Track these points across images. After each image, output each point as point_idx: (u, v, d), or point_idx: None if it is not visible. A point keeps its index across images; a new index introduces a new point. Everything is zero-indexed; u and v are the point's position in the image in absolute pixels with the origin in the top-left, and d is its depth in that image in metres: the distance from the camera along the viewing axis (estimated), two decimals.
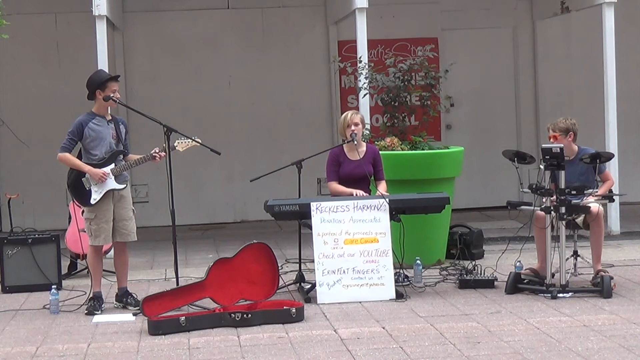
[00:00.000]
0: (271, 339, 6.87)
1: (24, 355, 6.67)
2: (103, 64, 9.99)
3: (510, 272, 8.23)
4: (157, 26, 12.99)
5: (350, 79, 12.64)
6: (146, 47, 13.01)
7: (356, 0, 10.63)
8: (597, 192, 8.16)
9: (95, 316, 7.76)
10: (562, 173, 7.85)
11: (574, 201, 7.98)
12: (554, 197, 7.91)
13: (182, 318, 7.17)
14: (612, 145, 10.81)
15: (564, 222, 7.93)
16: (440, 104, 10.86)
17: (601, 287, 7.89)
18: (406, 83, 9.70)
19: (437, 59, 11.61)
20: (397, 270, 8.37)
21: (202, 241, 11.61)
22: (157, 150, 7.99)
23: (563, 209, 7.89)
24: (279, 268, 8.19)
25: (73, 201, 8.44)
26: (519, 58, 13.55)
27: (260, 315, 7.33)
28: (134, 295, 8.10)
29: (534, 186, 8.02)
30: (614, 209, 10.87)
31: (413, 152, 9.41)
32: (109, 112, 8.19)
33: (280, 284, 8.05)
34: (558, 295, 7.85)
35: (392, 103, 9.76)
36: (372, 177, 8.64)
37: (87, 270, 8.62)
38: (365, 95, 10.13)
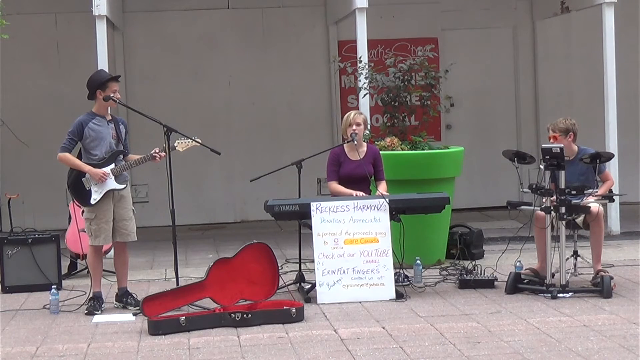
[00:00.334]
0: (271, 339, 6.87)
1: (24, 355, 6.67)
2: (103, 64, 9.99)
3: (510, 272, 8.23)
4: (157, 26, 12.99)
5: (350, 79, 12.65)
6: (146, 47, 13.01)
7: (356, 0, 10.63)
8: (597, 192, 8.16)
9: (95, 316, 7.76)
10: (562, 173, 7.85)
11: (574, 201, 7.98)
12: (554, 197, 7.91)
13: (182, 318, 7.17)
14: (612, 145, 10.81)
15: (564, 222, 7.93)
16: (440, 104, 10.86)
17: (601, 287, 7.89)
18: (406, 83, 9.70)
19: (437, 59, 11.61)
20: (397, 270, 8.37)
21: (202, 241, 11.61)
22: (157, 150, 7.99)
23: (563, 209, 7.89)
24: (279, 268, 8.19)
25: (73, 201, 8.44)
26: (519, 58, 13.55)
27: (260, 315, 7.33)
28: (134, 295, 8.10)
29: (534, 186, 8.02)
30: (614, 209, 10.87)
31: (413, 152, 9.41)
32: (109, 112, 8.19)
33: (280, 284, 8.04)
34: (558, 295, 7.85)
35: (392, 103, 9.76)
36: (372, 178, 8.64)
37: (87, 270, 8.62)
38: (365, 95, 10.13)
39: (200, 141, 8.05)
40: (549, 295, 7.85)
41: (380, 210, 8.14)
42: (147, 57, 12.99)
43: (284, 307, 7.46)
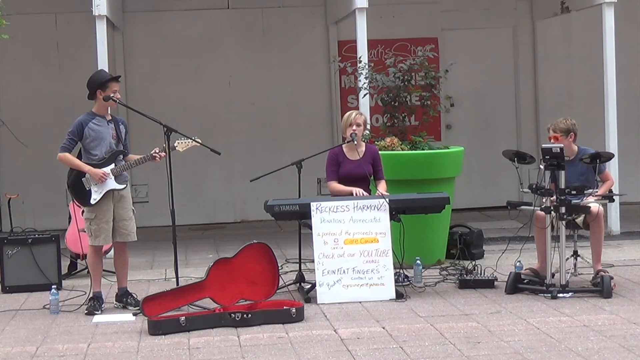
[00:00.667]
0: (271, 339, 6.87)
1: (24, 355, 6.67)
2: (103, 64, 9.99)
3: (510, 272, 8.23)
4: (157, 26, 12.99)
5: (350, 79, 12.65)
6: (146, 47, 13.01)
7: (356, 0, 10.63)
8: (597, 192, 8.16)
9: (95, 316, 7.76)
10: (562, 173, 7.85)
11: (574, 201, 7.98)
12: (554, 197, 7.91)
13: (182, 318, 7.17)
14: (612, 145, 10.81)
15: (564, 222, 7.93)
16: (440, 104, 10.86)
17: (601, 287, 7.89)
18: (406, 83, 9.70)
19: (437, 59, 11.61)
20: (397, 270, 8.37)
21: (202, 241, 11.61)
22: (157, 151, 7.99)
23: (563, 209, 7.89)
24: (279, 268, 8.19)
25: (73, 201, 8.44)
26: (519, 58, 13.55)
27: (260, 315, 7.33)
28: (134, 295, 8.10)
29: (534, 186, 8.02)
30: (614, 209, 10.86)
31: (413, 152, 9.41)
32: (109, 112, 8.19)
33: (280, 284, 8.04)
34: (558, 295, 7.85)
35: (392, 103, 9.76)
36: (372, 177, 8.64)
37: (87, 270, 8.62)
38: (365, 95, 10.13)
39: (200, 141, 8.05)
40: (549, 295, 7.85)
41: (380, 210, 8.14)
42: (147, 57, 12.99)
43: (284, 307, 7.46)
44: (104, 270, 8.37)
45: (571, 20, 13.15)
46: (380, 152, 9.01)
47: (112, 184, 7.92)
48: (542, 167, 7.98)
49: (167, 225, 8.09)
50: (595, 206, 8.04)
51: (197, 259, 10.24)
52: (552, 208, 7.92)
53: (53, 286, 8.13)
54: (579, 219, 8.26)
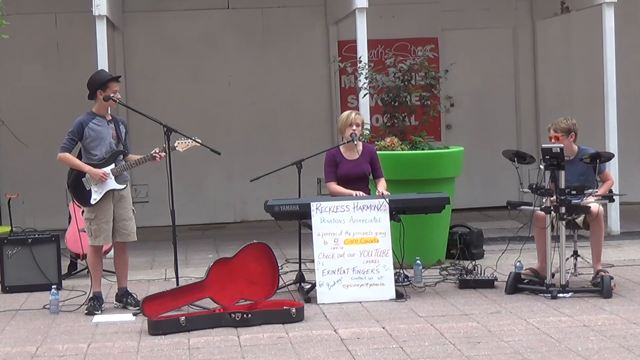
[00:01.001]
0: (271, 339, 6.87)
1: (24, 355, 6.67)
2: (103, 64, 9.99)
3: (510, 272, 8.23)
4: (157, 26, 12.99)
5: (350, 79, 12.65)
6: (146, 47, 13.01)
7: (356, 0, 10.63)
8: (597, 192, 8.16)
9: (95, 316, 7.76)
10: (562, 173, 7.85)
11: (574, 201, 7.98)
12: (554, 197, 7.91)
13: (182, 318, 7.17)
14: (612, 145, 10.81)
15: (564, 222, 7.93)
16: (440, 104, 10.87)
17: (601, 287, 7.89)
18: (406, 83, 9.70)
19: (437, 59, 11.61)
20: (397, 270, 8.37)
21: (202, 241, 11.61)
22: (157, 151, 7.99)
23: (563, 209, 7.89)
24: (279, 268, 8.19)
25: (73, 201, 8.43)
26: (519, 58, 13.55)
27: (260, 315, 7.33)
28: (134, 295, 8.10)
29: (534, 186, 8.02)
30: (614, 209, 10.87)
31: (413, 152, 9.41)
32: (109, 112, 8.19)
33: (280, 284, 8.04)
34: (558, 295, 7.85)
35: (392, 103, 9.76)
36: (371, 176, 8.64)
37: (87, 270, 8.62)
38: (365, 95, 10.13)
39: (200, 141, 8.05)
40: (549, 295, 7.85)
41: (380, 210, 8.14)
42: (147, 57, 13.00)
43: (284, 307, 7.46)
44: (104, 270, 8.37)
45: (571, 20, 13.14)
46: (380, 152, 9.02)
47: (112, 184, 7.92)
48: (542, 167, 7.97)
49: (167, 225, 8.09)
50: (595, 206, 8.04)
51: (197, 259, 10.24)
52: (552, 208, 7.92)
53: (53, 286, 8.13)
54: (579, 219, 8.26)
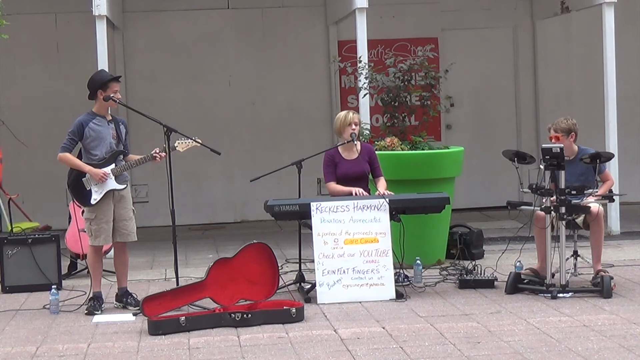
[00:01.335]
0: (271, 339, 6.87)
1: (24, 355, 6.67)
2: (103, 64, 9.99)
3: (510, 272, 8.23)
4: (157, 26, 12.99)
5: (350, 79, 12.65)
6: (146, 47, 13.01)
7: (356, 0, 10.63)
8: (597, 192, 8.16)
9: (95, 316, 7.76)
10: (562, 173, 7.85)
11: (574, 201, 7.98)
12: (554, 197, 7.91)
13: (182, 318, 7.17)
14: (612, 145, 10.81)
15: (564, 222, 7.93)
16: (440, 104, 10.86)
17: (601, 287, 7.89)
18: (406, 83, 9.70)
19: (437, 59, 11.61)
20: (397, 270, 8.37)
21: (202, 241, 11.61)
22: (157, 151, 7.99)
23: (563, 209, 7.89)
24: (279, 268, 8.18)
25: (73, 201, 8.44)
26: (519, 58, 13.55)
27: (260, 315, 7.33)
28: (134, 295, 8.10)
29: (534, 186, 8.02)
30: (614, 209, 10.86)
31: (413, 152, 9.41)
32: (109, 112, 8.19)
33: (280, 284, 8.04)
34: (558, 295, 7.85)
35: (392, 103, 9.76)
36: (370, 175, 8.64)
37: (87, 270, 8.62)
38: (365, 95, 10.13)
39: (200, 141, 8.05)
40: (549, 295, 7.85)
41: (380, 210, 8.14)
42: (147, 57, 13.00)
43: (284, 307, 7.46)
44: (104, 270, 8.37)
45: (571, 20, 13.14)
46: (380, 152, 9.02)
47: (112, 184, 7.92)
48: (542, 167, 7.97)
49: (167, 225, 8.10)
50: (595, 206, 8.04)
51: (197, 259, 10.24)
52: (552, 208, 7.92)
53: (53, 286, 8.13)
54: (579, 219, 8.26)
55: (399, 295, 8.02)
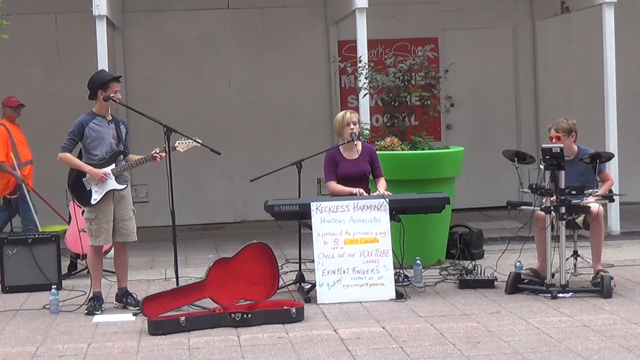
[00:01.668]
0: (271, 339, 6.87)
1: (24, 355, 6.67)
2: (103, 64, 9.99)
3: (510, 272, 8.23)
4: (157, 26, 12.99)
5: (350, 79, 12.65)
6: (146, 47, 13.01)
7: (356, 0, 10.63)
8: (597, 192, 8.16)
9: (95, 316, 7.76)
10: (562, 173, 7.85)
11: (574, 201, 7.98)
12: (554, 197, 7.91)
13: (182, 318, 7.17)
14: (612, 145, 10.81)
15: (564, 222, 7.93)
16: (440, 104, 10.87)
17: (601, 287, 7.89)
18: (406, 83, 9.70)
19: (437, 59, 11.62)
20: (397, 270, 8.37)
21: (202, 241, 11.61)
22: (157, 151, 7.99)
23: (563, 209, 7.89)
24: (279, 268, 8.19)
25: (73, 201, 8.44)
26: (519, 58, 13.56)
27: (260, 315, 7.33)
28: (134, 295, 8.10)
29: (534, 186, 8.02)
30: (614, 209, 10.86)
31: (413, 152, 9.41)
32: (110, 112, 8.19)
33: (280, 284, 8.04)
34: (558, 295, 7.85)
35: (392, 103, 9.76)
36: (371, 175, 8.64)
37: (87, 270, 8.63)
38: (365, 95, 10.13)
39: (200, 141, 8.05)
40: (549, 295, 7.86)
41: (380, 210, 8.14)
42: (147, 57, 13.00)
43: (284, 307, 7.46)
44: (104, 270, 8.38)
45: (571, 20, 13.15)
46: (380, 152, 9.02)
47: (112, 184, 7.92)
48: (542, 167, 7.98)
49: (167, 225, 8.10)
50: (595, 206, 8.04)
51: (197, 259, 10.24)
52: (552, 208, 7.92)
53: (53, 286, 8.13)
54: (579, 219, 8.26)
55: (399, 295, 8.02)
